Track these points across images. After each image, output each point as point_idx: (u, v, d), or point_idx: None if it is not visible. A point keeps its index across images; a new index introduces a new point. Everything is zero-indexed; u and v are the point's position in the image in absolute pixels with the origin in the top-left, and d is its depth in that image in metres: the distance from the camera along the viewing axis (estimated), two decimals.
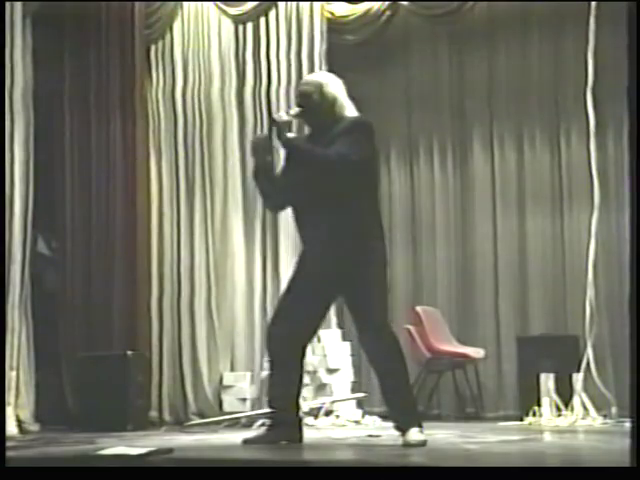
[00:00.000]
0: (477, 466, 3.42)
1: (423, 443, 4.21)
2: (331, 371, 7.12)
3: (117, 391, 6.52)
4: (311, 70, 7.57)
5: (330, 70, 7.48)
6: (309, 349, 7.08)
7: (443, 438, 4.84)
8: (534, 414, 6.35)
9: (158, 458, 3.72)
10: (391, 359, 4.37)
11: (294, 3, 7.76)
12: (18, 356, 6.45)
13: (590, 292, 6.44)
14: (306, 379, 7.02)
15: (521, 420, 6.52)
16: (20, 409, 6.42)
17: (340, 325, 7.16)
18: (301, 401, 4.72)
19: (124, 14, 7.45)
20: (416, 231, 8.25)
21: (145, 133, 7.60)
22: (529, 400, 6.52)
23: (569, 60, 7.69)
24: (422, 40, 8.28)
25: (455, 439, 4.81)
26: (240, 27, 7.86)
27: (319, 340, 7.22)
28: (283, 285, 7.37)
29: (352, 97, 4.60)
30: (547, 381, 6.38)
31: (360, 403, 7.09)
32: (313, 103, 4.50)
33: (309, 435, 4.90)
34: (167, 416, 7.43)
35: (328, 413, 6.72)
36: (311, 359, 7.10)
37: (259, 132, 7.65)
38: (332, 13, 7.91)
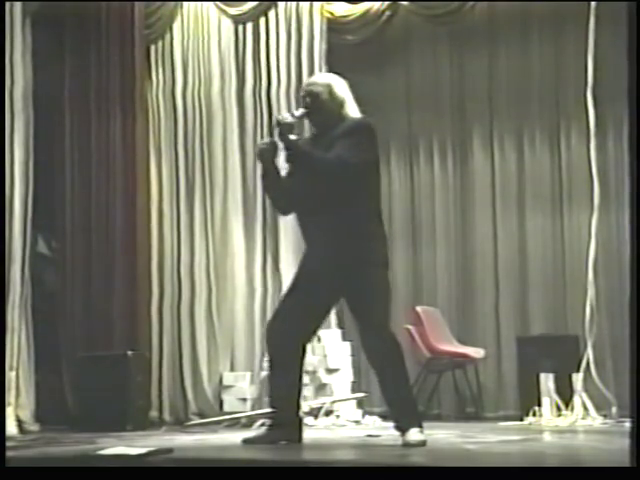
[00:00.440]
0: (477, 466, 3.42)
1: (423, 443, 4.22)
2: (331, 371, 7.12)
3: (117, 391, 6.52)
4: (311, 70, 7.58)
5: (330, 70, 7.52)
6: (309, 349, 7.14)
7: (443, 438, 4.84)
8: (534, 414, 6.34)
9: (158, 458, 3.73)
10: (391, 360, 4.38)
11: (294, 3, 7.76)
12: (18, 356, 6.45)
13: (590, 292, 6.44)
14: (306, 379, 7.02)
15: (521, 420, 6.52)
16: (20, 409, 6.42)
17: (340, 325, 7.17)
18: (301, 401, 4.72)
19: (124, 14, 7.46)
20: (416, 231, 8.25)
21: (145, 133, 7.61)
22: (529, 400, 6.52)
23: (569, 60, 7.69)
24: (422, 40, 8.28)
25: (455, 439, 4.81)
26: (240, 27, 7.86)
27: (319, 340, 7.22)
28: (283, 285, 7.42)
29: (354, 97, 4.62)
30: (547, 381, 6.38)
31: (360, 403, 7.09)
32: (321, 103, 4.50)
33: (309, 435, 4.90)
34: (167, 416, 7.43)
35: (328, 413, 6.72)
36: (311, 359, 7.10)
37: (260, 132, 7.67)
38: (332, 13, 7.91)
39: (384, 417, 6.36)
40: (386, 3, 7.89)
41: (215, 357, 7.51)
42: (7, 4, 6.38)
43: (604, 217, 7.11)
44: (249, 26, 7.84)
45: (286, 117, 4.50)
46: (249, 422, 6.49)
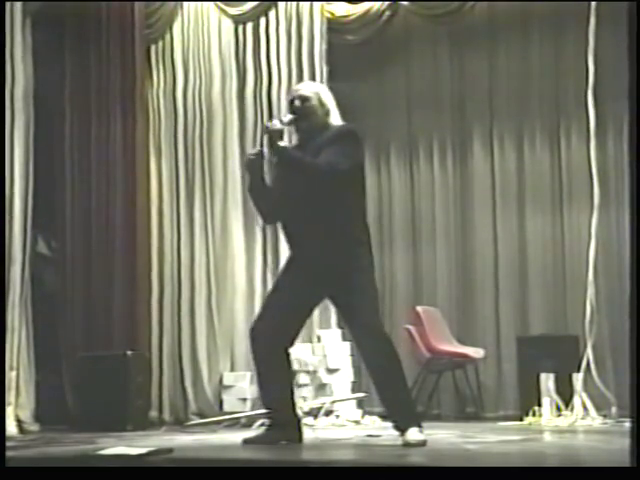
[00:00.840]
0: (477, 466, 3.42)
1: (423, 443, 4.22)
2: (331, 371, 7.12)
3: (117, 391, 6.52)
4: (311, 70, 7.59)
5: (330, 70, 7.54)
6: (309, 349, 7.16)
7: (443, 438, 4.84)
8: (534, 414, 6.35)
9: (158, 458, 3.73)
10: (384, 359, 4.38)
11: (294, 3, 7.76)
12: (18, 356, 6.45)
13: (590, 292, 6.43)
14: (306, 379, 7.05)
15: (521, 420, 6.52)
16: (20, 409, 6.42)
17: (340, 325, 7.16)
18: (300, 401, 4.72)
19: (124, 14, 7.46)
20: (416, 231, 8.24)
21: (145, 133, 7.61)
22: (529, 400, 6.52)
23: (569, 60, 7.69)
24: (422, 40, 8.28)
25: (455, 439, 4.81)
26: (240, 27, 7.86)
27: (319, 340, 7.23)
28: None
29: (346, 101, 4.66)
30: (547, 381, 6.38)
31: (360, 403, 7.08)
32: (310, 109, 4.55)
33: (309, 435, 4.90)
34: (167, 416, 7.43)
35: (328, 413, 6.72)
36: (311, 359, 7.11)
37: (260, 132, 7.67)
38: (332, 13, 7.91)
39: (384, 417, 6.34)
40: (386, 3, 7.89)
41: (215, 357, 7.51)
42: (7, 4, 6.38)
43: (604, 217, 7.10)
44: (249, 26, 7.84)
45: (275, 124, 4.52)
46: (249, 422, 6.49)
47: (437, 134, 8.25)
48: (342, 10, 7.98)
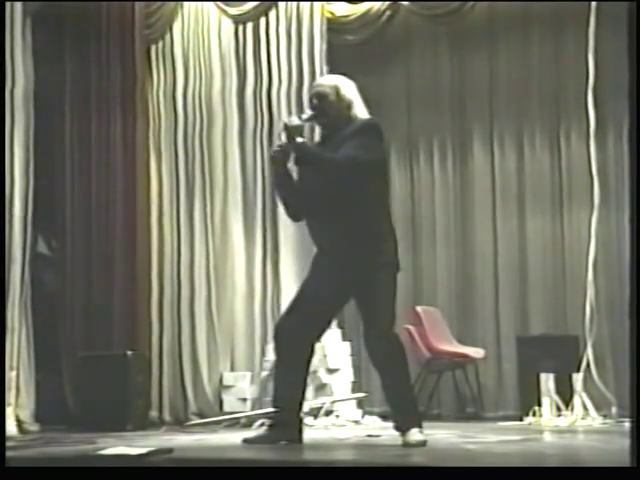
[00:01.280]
0: (477, 466, 3.42)
1: (423, 443, 4.22)
2: (331, 371, 7.12)
3: (117, 391, 6.52)
4: (312, 70, 7.59)
5: (330, 70, 7.53)
6: None
7: (443, 438, 4.84)
8: (534, 414, 6.35)
9: (158, 458, 3.73)
10: (395, 362, 4.39)
11: (294, 3, 7.76)
12: (18, 356, 6.45)
13: (590, 292, 6.44)
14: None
15: (521, 420, 6.52)
16: (20, 409, 6.42)
17: (340, 325, 7.16)
18: (304, 402, 4.71)
19: (124, 14, 7.45)
20: (416, 231, 8.25)
21: (145, 133, 7.60)
22: (529, 400, 6.53)
23: (569, 60, 7.70)
24: (422, 40, 8.28)
25: (455, 439, 4.81)
26: (240, 27, 7.86)
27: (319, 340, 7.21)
28: (283, 285, 7.44)
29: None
30: (547, 381, 6.38)
31: (360, 403, 7.08)
32: (329, 105, 4.50)
33: (309, 435, 4.90)
34: (167, 416, 7.42)
35: (328, 413, 6.72)
36: None
37: (260, 133, 7.67)
38: (332, 13, 7.91)
39: (384, 417, 6.36)
40: (386, 3, 7.89)
41: (215, 357, 7.51)
42: (7, 4, 6.38)
43: (604, 217, 7.11)
44: (249, 26, 7.84)
45: (293, 120, 4.50)
46: (249, 422, 6.48)
47: (437, 134, 8.26)
48: (342, 10, 7.98)
